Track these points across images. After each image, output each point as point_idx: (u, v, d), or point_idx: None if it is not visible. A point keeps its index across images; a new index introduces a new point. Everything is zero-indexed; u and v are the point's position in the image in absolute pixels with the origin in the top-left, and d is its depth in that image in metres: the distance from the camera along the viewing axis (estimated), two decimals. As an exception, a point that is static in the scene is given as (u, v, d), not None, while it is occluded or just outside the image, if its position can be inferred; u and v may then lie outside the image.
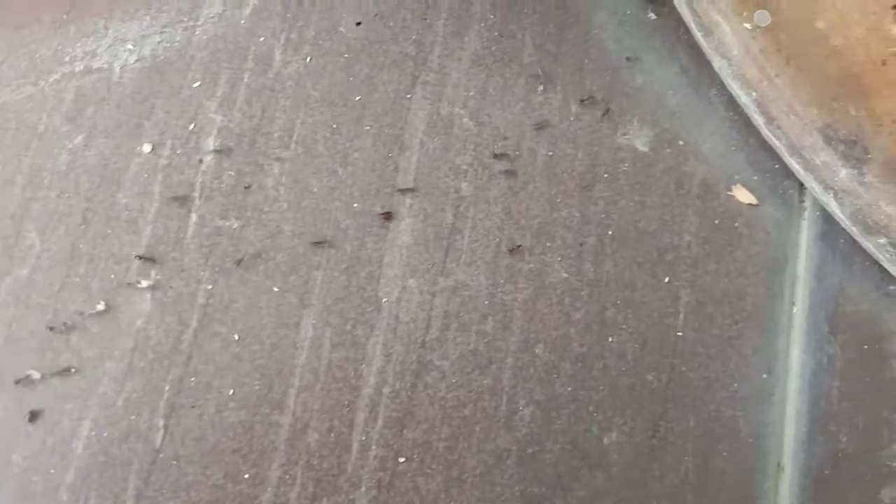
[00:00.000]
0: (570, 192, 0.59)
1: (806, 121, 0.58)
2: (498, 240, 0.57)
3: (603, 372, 0.55)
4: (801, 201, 0.61)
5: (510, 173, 0.58)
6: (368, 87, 0.60)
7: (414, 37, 0.61)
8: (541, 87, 0.61)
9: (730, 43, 0.60)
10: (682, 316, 0.56)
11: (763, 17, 0.59)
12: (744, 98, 0.60)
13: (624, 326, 0.56)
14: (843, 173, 0.57)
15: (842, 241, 0.57)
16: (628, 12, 0.64)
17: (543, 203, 0.59)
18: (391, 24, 0.61)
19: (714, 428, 0.54)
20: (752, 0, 0.59)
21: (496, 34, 0.62)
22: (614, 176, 0.60)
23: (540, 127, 0.60)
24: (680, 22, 0.61)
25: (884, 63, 0.55)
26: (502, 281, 0.56)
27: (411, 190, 0.57)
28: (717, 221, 0.59)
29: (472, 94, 0.60)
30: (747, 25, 0.59)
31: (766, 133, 0.59)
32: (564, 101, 0.61)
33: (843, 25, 0.57)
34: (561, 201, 0.59)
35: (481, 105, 0.60)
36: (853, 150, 0.58)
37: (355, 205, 0.57)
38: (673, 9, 0.61)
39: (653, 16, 0.64)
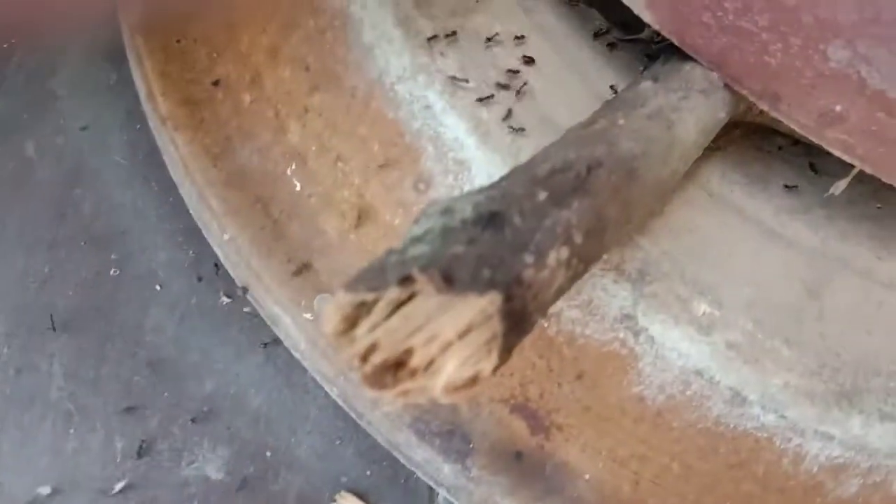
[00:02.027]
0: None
1: (393, 415, 0.48)
2: None
3: None
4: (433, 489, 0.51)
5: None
6: None
7: None
8: (72, 430, 0.48)
9: (296, 336, 0.50)
10: None
11: (326, 303, 0.50)
12: (331, 393, 0.50)
13: None
14: (447, 470, 0.48)
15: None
16: (194, 301, 0.54)
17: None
18: None
19: None
20: (310, 285, 0.49)
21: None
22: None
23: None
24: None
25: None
26: None
27: None
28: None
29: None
30: (309, 316, 0.49)
31: (365, 427, 0.49)
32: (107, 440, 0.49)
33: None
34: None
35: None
36: (451, 443, 0.49)
37: None
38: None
39: (225, 299, 0.54)
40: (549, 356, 0.51)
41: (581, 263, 0.40)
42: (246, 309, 0.57)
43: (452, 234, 0.37)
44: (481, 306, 0.34)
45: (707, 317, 0.49)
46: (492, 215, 0.39)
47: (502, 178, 0.42)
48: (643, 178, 0.44)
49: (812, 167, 0.60)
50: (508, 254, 0.37)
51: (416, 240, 0.37)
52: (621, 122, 0.45)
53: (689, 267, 0.51)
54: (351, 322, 0.35)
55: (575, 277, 0.40)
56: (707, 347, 0.49)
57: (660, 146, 0.45)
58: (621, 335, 0.49)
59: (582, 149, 0.43)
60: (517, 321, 0.36)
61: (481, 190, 0.41)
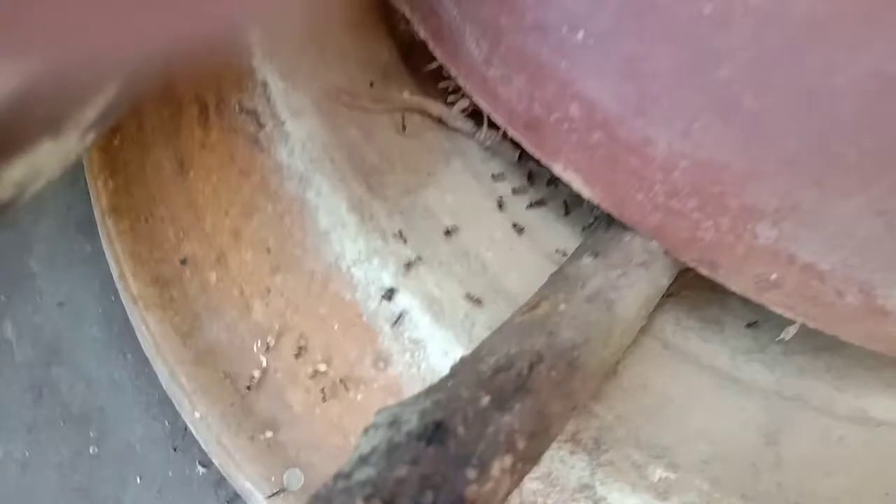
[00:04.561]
0: None
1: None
2: None
3: None
4: None
5: None
6: None
7: None
8: None
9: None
10: None
11: (295, 479, 0.51)
12: (303, 564, 0.51)
13: None
14: None
15: None
16: (170, 474, 0.55)
17: None
18: None
19: None
20: (280, 458, 0.51)
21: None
22: None
23: None
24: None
25: None
26: None
27: None
28: None
29: None
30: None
31: None
32: None
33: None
34: None
35: None
36: None
37: None
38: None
39: (201, 469, 0.55)
40: (512, 526, 0.52)
41: (527, 464, 0.42)
42: (222, 478, 0.58)
43: (397, 451, 0.39)
44: (425, 534, 0.35)
45: (663, 481, 0.50)
46: (437, 426, 0.40)
47: (451, 375, 0.44)
48: (584, 366, 0.46)
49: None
50: (452, 470, 0.39)
51: (363, 460, 0.39)
52: (562, 307, 0.47)
53: (644, 429, 0.52)
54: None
55: (521, 478, 0.42)
56: (665, 512, 0.50)
57: (600, 330, 0.47)
58: (581, 504, 0.51)
59: (524, 341, 0.45)
60: (463, 540, 0.37)
61: (430, 391, 0.43)
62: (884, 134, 0.40)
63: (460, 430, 0.40)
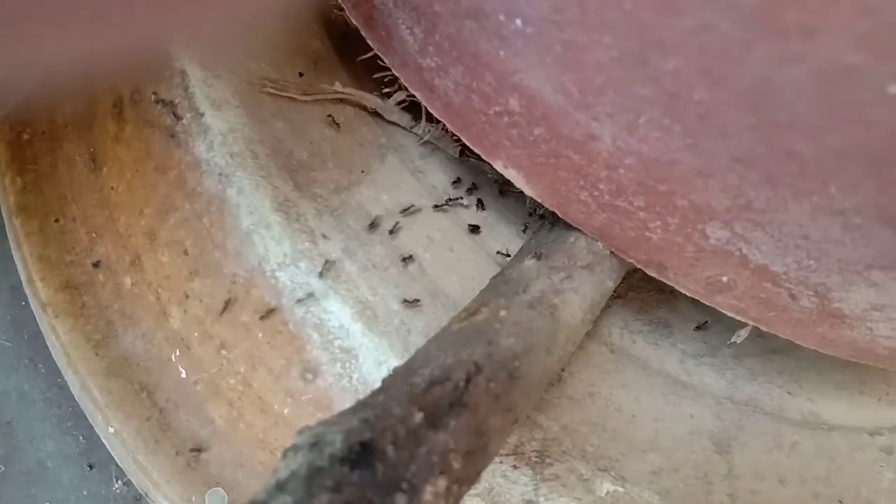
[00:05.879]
0: None
1: None
2: None
3: None
4: None
5: None
6: None
7: None
8: None
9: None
10: None
11: (217, 498, 0.47)
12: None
13: None
14: None
15: None
16: (85, 493, 0.50)
17: None
18: None
19: None
20: (200, 478, 0.46)
21: None
22: None
23: None
24: None
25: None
26: None
27: None
28: None
29: None
30: (199, 510, 0.46)
31: None
32: None
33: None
34: None
35: None
36: None
37: None
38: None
39: (119, 486, 0.50)
40: (451, 545, 0.48)
41: (463, 486, 0.38)
42: (141, 497, 0.53)
43: (319, 477, 0.35)
44: (346, 572, 0.31)
45: (611, 496, 0.47)
46: (363, 447, 0.36)
47: (381, 389, 0.40)
48: (526, 376, 0.42)
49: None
50: (379, 497, 0.35)
51: (280, 487, 0.35)
52: (503, 313, 0.43)
53: (590, 440, 0.49)
54: None
55: (457, 501, 0.38)
56: (612, 530, 0.47)
57: (543, 336, 0.43)
58: (524, 522, 0.47)
59: (461, 350, 0.41)
60: (389, 575, 0.33)
61: (358, 408, 0.39)
62: (842, 128, 0.36)
63: (390, 451, 0.36)
